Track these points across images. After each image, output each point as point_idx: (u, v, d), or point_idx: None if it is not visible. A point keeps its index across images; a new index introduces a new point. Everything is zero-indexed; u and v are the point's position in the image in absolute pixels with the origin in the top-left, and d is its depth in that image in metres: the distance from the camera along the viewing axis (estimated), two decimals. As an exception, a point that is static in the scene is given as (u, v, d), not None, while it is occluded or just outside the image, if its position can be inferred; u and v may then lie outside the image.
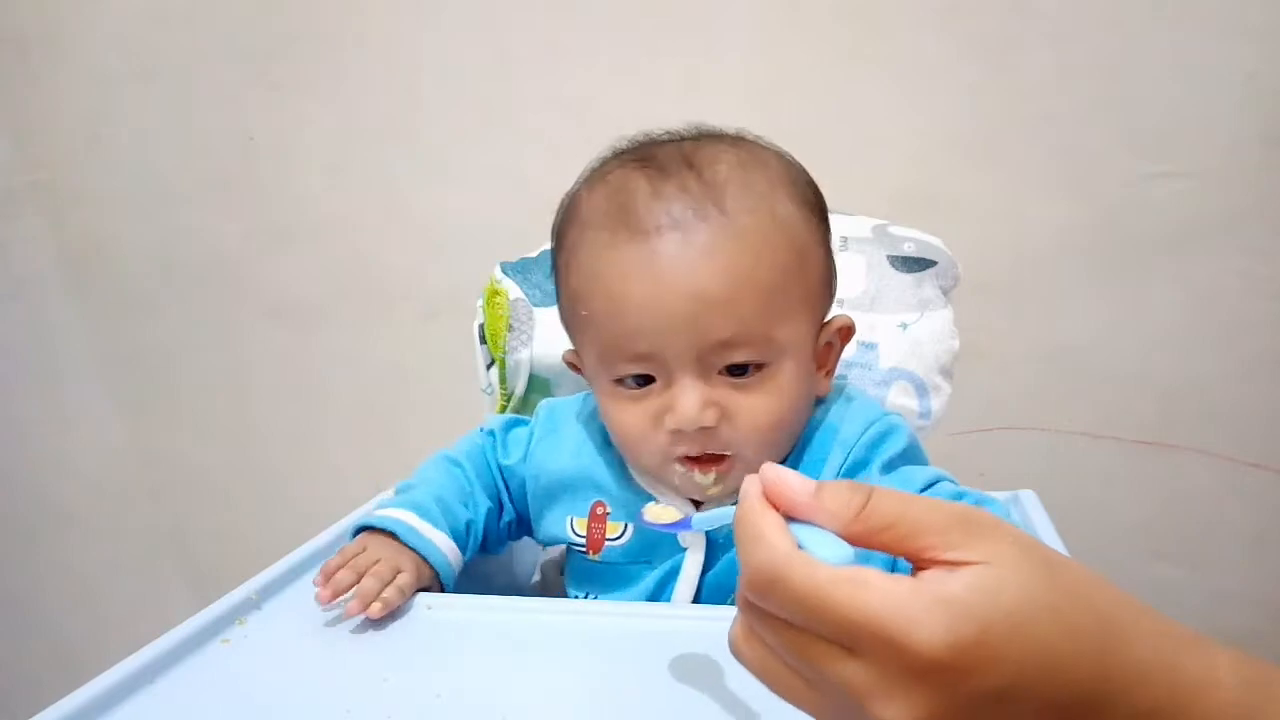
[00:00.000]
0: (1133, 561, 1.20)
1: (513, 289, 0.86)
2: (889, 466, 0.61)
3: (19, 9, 1.30)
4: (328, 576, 0.59)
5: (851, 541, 0.32)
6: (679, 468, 0.60)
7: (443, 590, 0.64)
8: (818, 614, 0.31)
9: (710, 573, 0.63)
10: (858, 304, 0.84)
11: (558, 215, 0.66)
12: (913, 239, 0.87)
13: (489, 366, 0.88)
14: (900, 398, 0.84)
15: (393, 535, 0.63)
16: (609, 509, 0.67)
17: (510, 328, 0.85)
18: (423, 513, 0.65)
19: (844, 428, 0.63)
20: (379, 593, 0.58)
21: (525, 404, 0.85)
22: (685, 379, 0.57)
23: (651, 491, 0.65)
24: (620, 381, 0.60)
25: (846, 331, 0.65)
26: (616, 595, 0.66)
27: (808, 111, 1.14)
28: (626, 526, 0.66)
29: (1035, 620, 0.30)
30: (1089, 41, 1.08)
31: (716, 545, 0.64)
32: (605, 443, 0.68)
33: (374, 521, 0.64)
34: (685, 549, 0.64)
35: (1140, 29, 1.06)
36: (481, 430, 0.75)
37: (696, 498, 0.62)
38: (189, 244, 1.36)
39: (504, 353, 0.85)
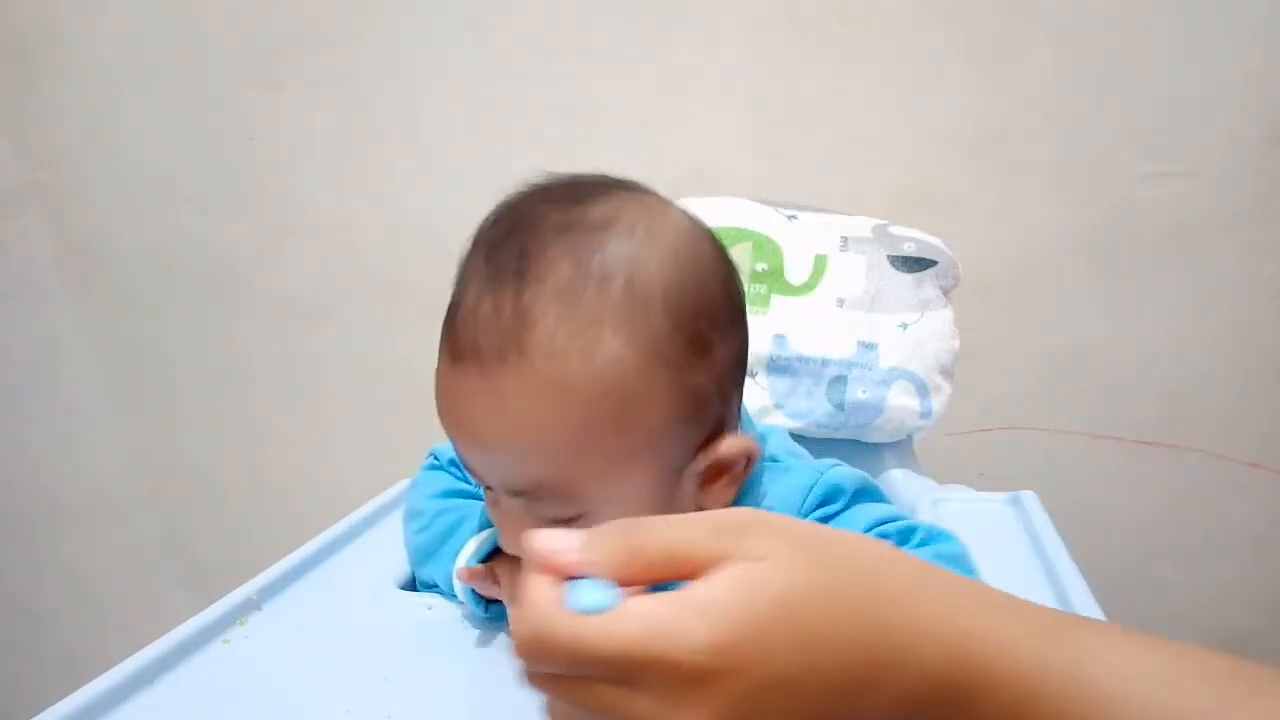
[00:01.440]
0: (1133, 561, 1.20)
1: (512, 289, 0.86)
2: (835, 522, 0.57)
3: (19, 9, 1.30)
4: None
5: (632, 583, 0.31)
6: None
7: None
8: (588, 663, 0.30)
9: None
10: (858, 304, 0.85)
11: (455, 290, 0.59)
12: (913, 239, 0.87)
13: (489, 366, 0.88)
14: (901, 397, 0.84)
15: None
16: None
17: (510, 328, 0.84)
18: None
19: (779, 507, 0.56)
20: None
21: (525, 404, 0.85)
22: (508, 502, 0.52)
23: None
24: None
25: (745, 460, 0.54)
26: None
27: (808, 111, 1.14)
28: None
29: (801, 603, 0.30)
30: (1089, 41, 1.08)
31: None
32: None
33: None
34: None
35: (1140, 29, 1.06)
36: (435, 459, 0.71)
37: None
38: (189, 244, 1.36)
39: (504, 353, 0.85)
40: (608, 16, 1.16)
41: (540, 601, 0.31)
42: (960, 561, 0.53)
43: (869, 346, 0.83)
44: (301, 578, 0.68)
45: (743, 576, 0.30)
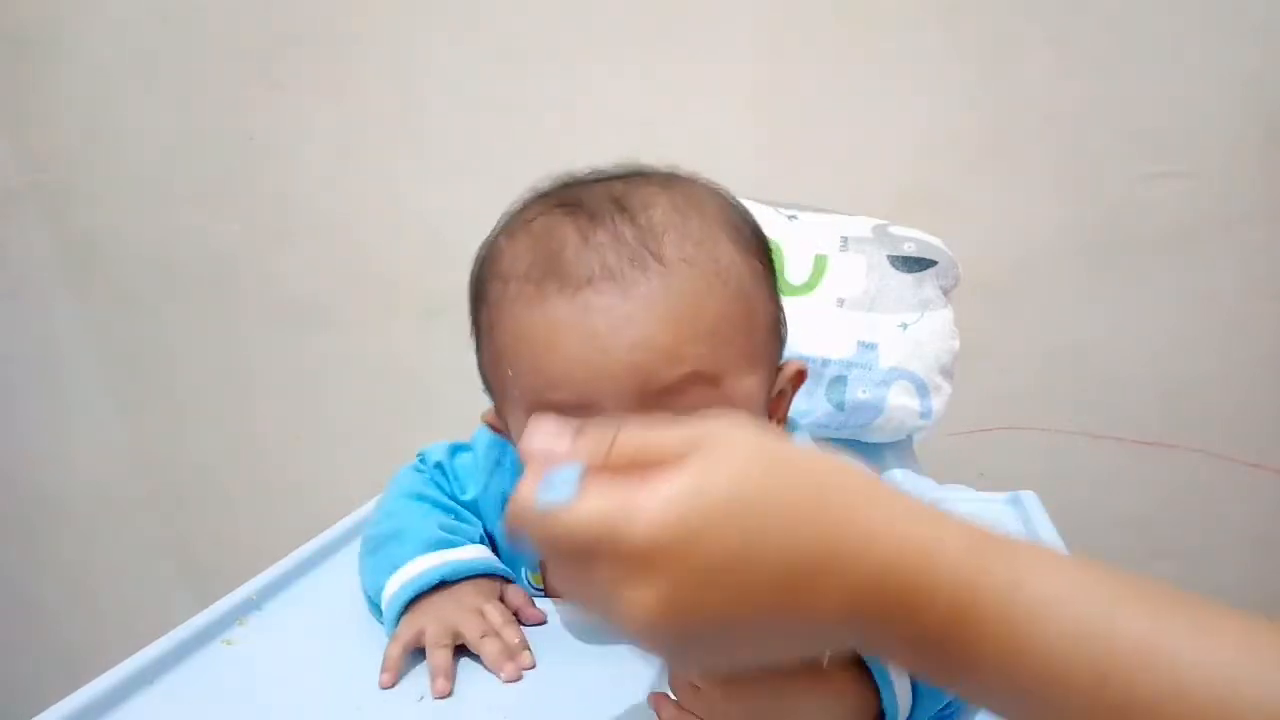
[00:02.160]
0: (1133, 561, 1.20)
1: (513, 289, 0.86)
2: None
3: (19, 9, 1.30)
4: (440, 672, 0.53)
5: (604, 472, 0.35)
6: None
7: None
8: (554, 543, 0.34)
9: None
10: (858, 304, 0.84)
11: (475, 266, 0.60)
12: (913, 239, 0.87)
13: (489, 366, 0.88)
14: (901, 397, 0.84)
15: (442, 584, 0.58)
16: None
17: (510, 328, 0.84)
18: (448, 542, 0.61)
19: None
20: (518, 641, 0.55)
21: (525, 404, 0.85)
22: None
23: None
24: None
25: (799, 377, 0.60)
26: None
27: (808, 111, 1.14)
28: None
29: (748, 499, 0.33)
30: (1089, 41, 1.08)
31: None
32: None
33: (426, 581, 0.58)
34: None
35: (1140, 29, 1.06)
36: (421, 462, 0.69)
37: None
38: (189, 244, 1.36)
39: (504, 353, 0.85)
40: (608, 16, 1.16)
41: (521, 494, 0.35)
42: None
43: (869, 346, 0.83)
44: (301, 578, 0.68)
45: (696, 472, 0.32)
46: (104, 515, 1.53)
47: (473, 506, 0.67)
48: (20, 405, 1.49)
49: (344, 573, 0.69)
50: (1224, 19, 1.04)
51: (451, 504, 0.66)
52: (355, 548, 0.74)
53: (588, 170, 0.59)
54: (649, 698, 0.47)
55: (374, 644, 0.58)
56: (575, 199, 0.55)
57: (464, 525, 0.64)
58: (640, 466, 0.34)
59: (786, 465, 0.34)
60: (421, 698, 0.51)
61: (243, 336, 1.38)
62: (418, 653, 0.55)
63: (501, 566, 0.61)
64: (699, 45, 1.15)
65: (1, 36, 1.32)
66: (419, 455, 0.70)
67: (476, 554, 0.60)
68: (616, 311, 0.50)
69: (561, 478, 0.34)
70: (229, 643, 0.58)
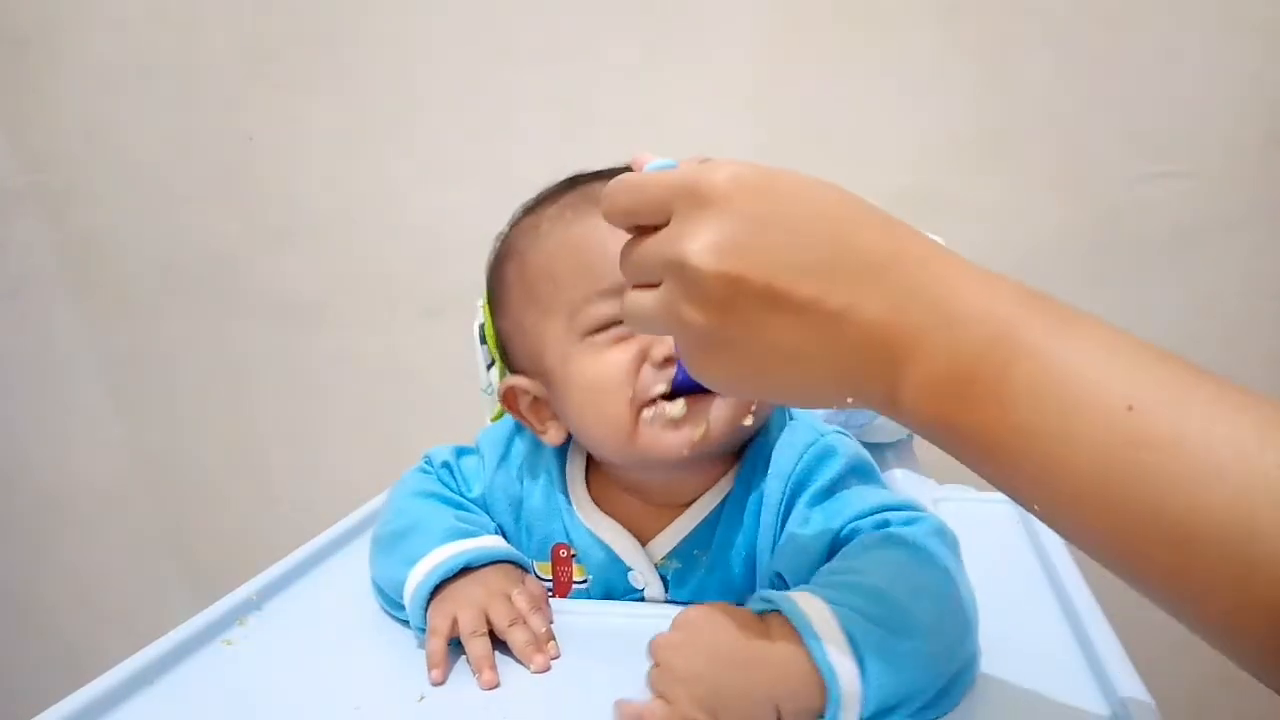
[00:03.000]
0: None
1: (513, 289, 0.86)
2: (825, 494, 0.57)
3: (19, 9, 1.30)
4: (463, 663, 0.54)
5: None
6: (647, 413, 0.55)
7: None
8: (641, 189, 0.42)
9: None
10: (858, 304, 0.84)
11: (499, 242, 0.66)
12: (913, 239, 0.87)
13: (489, 366, 0.88)
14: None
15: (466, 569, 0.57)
16: (573, 550, 0.64)
17: (510, 328, 0.85)
18: (467, 532, 0.61)
19: (780, 458, 0.59)
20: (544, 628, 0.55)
21: (525, 404, 0.85)
22: None
23: (595, 528, 0.62)
24: (596, 331, 0.57)
25: None
26: None
27: (808, 111, 1.14)
28: (589, 572, 0.63)
29: (798, 179, 0.40)
30: (1089, 41, 1.08)
31: (670, 582, 0.62)
32: (549, 484, 0.65)
33: (448, 568, 0.57)
34: (641, 590, 0.62)
35: (1140, 28, 1.06)
36: (427, 464, 0.69)
37: (662, 453, 0.57)
38: (189, 244, 1.36)
39: (504, 353, 0.85)
40: (608, 16, 1.16)
41: (630, 174, 0.44)
42: (941, 534, 0.52)
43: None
44: (301, 578, 0.68)
45: (764, 166, 0.40)
46: (104, 515, 1.53)
47: (480, 503, 0.67)
48: (20, 405, 1.49)
49: (344, 573, 0.69)
50: (1224, 19, 1.04)
51: (462, 500, 0.66)
52: (355, 548, 0.74)
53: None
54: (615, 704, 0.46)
55: (374, 644, 0.58)
56: (580, 181, 0.62)
57: (478, 518, 0.65)
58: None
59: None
60: (421, 698, 0.51)
61: (243, 336, 1.38)
62: (416, 650, 0.55)
63: (521, 555, 0.61)
64: (699, 45, 1.15)
65: (1, 36, 1.32)
66: (424, 457, 0.70)
67: (496, 542, 0.61)
68: None
69: (663, 161, 0.45)
70: (229, 643, 0.58)
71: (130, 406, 1.46)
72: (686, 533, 0.61)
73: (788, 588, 0.53)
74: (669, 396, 0.55)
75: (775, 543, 0.58)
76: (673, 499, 0.62)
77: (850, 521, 0.54)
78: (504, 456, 0.67)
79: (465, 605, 0.55)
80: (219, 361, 1.40)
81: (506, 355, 0.65)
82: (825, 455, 0.58)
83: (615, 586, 0.63)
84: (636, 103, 1.18)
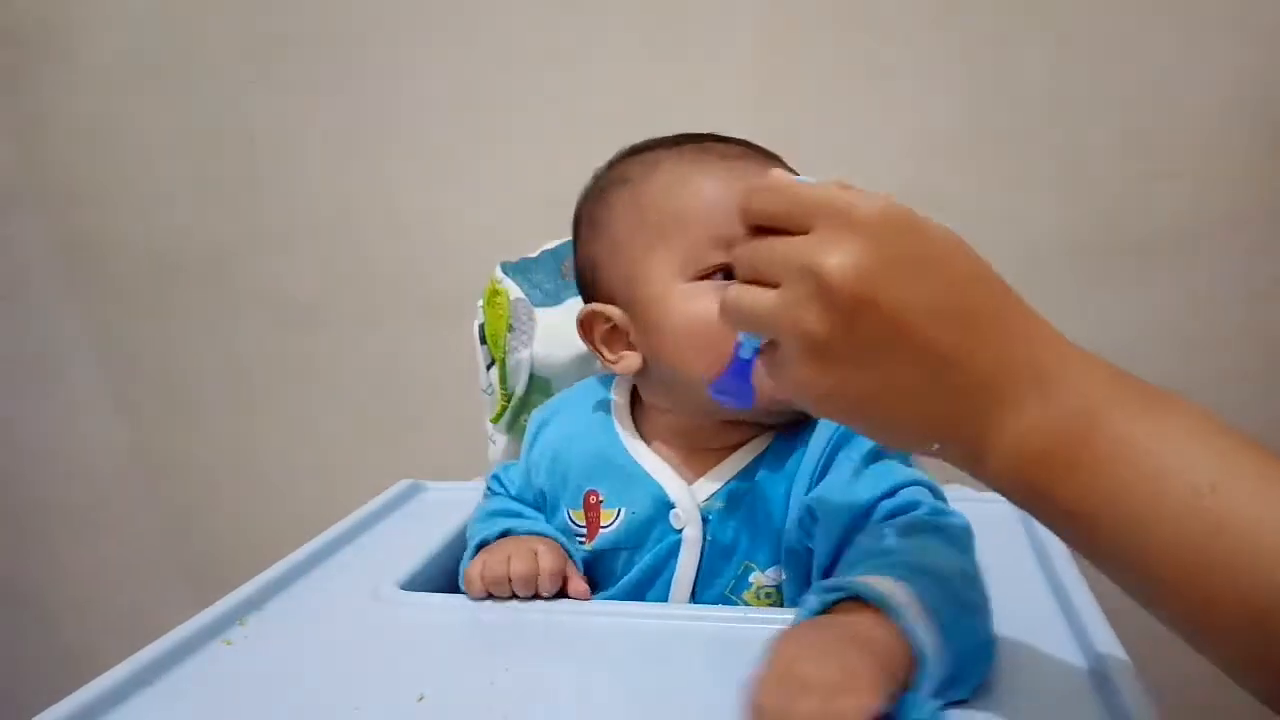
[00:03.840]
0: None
1: (513, 289, 0.86)
2: (871, 456, 0.61)
3: (19, 9, 1.30)
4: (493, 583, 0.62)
5: None
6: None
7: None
8: (789, 196, 0.42)
9: (706, 555, 0.63)
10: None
11: (600, 176, 0.69)
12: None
13: (489, 367, 0.88)
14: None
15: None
16: (602, 496, 0.67)
17: (511, 328, 0.85)
18: (502, 515, 0.69)
19: (814, 434, 0.63)
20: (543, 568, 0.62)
21: (525, 404, 0.85)
22: None
23: (645, 464, 0.66)
24: (705, 277, 0.61)
25: None
26: (608, 585, 0.66)
27: (807, 111, 1.14)
28: (619, 511, 0.66)
29: (942, 229, 0.42)
30: (1089, 41, 1.08)
31: (710, 523, 0.63)
32: (592, 428, 0.69)
33: (483, 536, 0.67)
34: (680, 530, 0.64)
35: (1140, 28, 1.06)
36: (486, 489, 0.77)
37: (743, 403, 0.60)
38: (189, 244, 1.36)
39: (504, 353, 0.85)
40: (608, 17, 1.16)
41: (775, 173, 0.44)
42: (962, 535, 0.55)
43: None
44: (301, 578, 0.68)
45: (912, 210, 0.42)
46: (104, 515, 1.53)
47: (520, 496, 0.73)
48: (20, 405, 1.49)
49: (344, 573, 0.69)
50: (1224, 19, 1.04)
51: (514, 505, 0.71)
52: (355, 548, 0.74)
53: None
54: None
55: (374, 644, 0.58)
56: (698, 139, 0.67)
57: (529, 516, 0.70)
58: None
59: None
60: (421, 697, 0.51)
61: (242, 336, 1.38)
62: (416, 650, 0.56)
63: (564, 539, 0.66)
64: (699, 45, 1.15)
65: (1, 36, 1.32)
66: (490, 480, 0.77)
67: (542, 525, 0.68)
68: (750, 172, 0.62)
69: (803, 178, 0.44)
70: (229, 643, 0.58)
71: (130, 406, 1.46)
72: (732, 475, 0.64)
73: (814, 523, 0.58)
74: None
75: (809, 491, 0.61)
76: (719, 443, 0.65)
77: (898, 486, 0.58)
78: (538, 436, 0.72)
79: (492, 553, 0.63)
80: (219, 361, 1.40)
81: (588, 282, 0.68)
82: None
83: (647, 529, 0.64)
84: (637, 103, 1.18)
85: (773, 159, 0.66)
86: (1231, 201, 1.09)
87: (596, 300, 0.67)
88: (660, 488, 0.64)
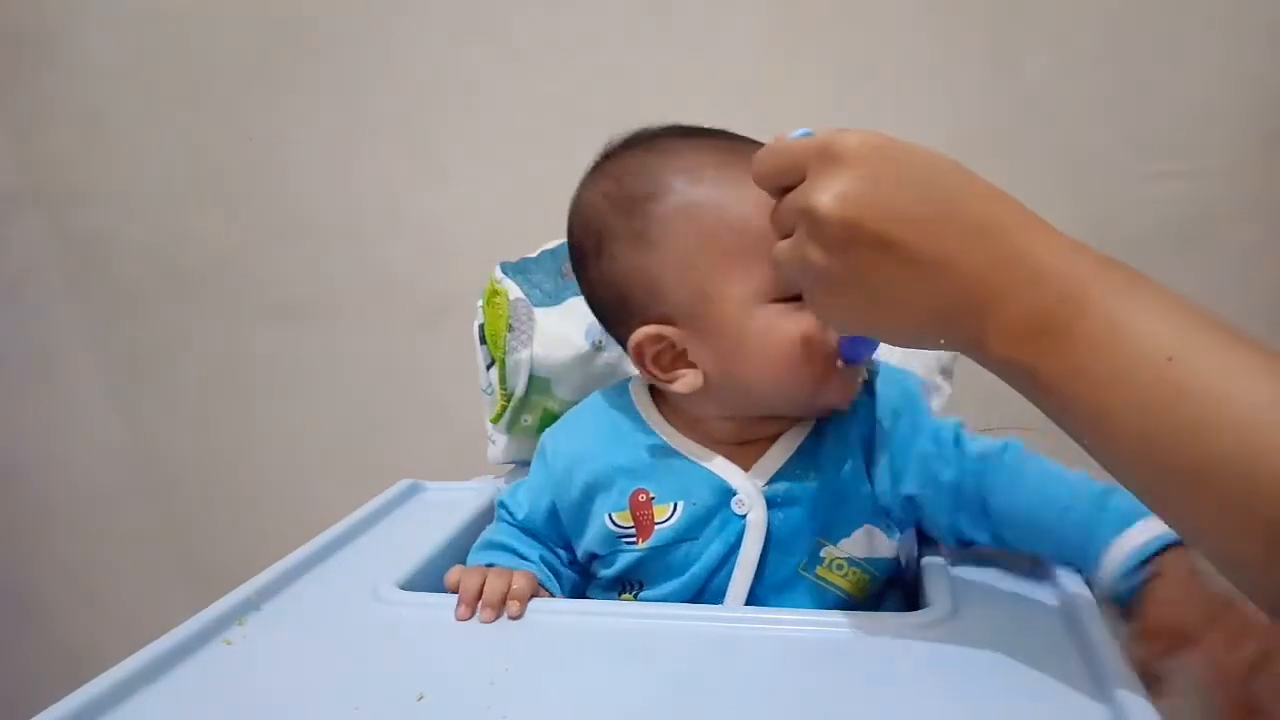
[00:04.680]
0: (1133, 561, 1.20)
1: (513, 289, 0.86)
2: (924, 415, 0.66)
3: (18, 9, 1.30)
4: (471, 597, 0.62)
5: None
6: (837, 378, 0.63)
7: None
8: (782, 151, 0.47)
9: (773, 537, 0.64)
10: (858, 304, 0.84)
11: (631, 184, 0.65)
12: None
13: (489, 367, 0.88)
14: (900, 397, 0.84)
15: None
16: (652, 494, 0.66)
17: (510, 328, 0.85)
18: (495, 546, 0.70)
19: (884, 390, 0.67)
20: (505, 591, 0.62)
21: (525, 404, 0.85)
22: None
23: (696, 457, 0.67)
24: (785, 301, 0.61)
25: None
26: (669, 579, 0.66)
27: (807, 111, 1.14)
28: (676, 505, 0.65)
29: (920, 148, 0.45)
30: (1089, 41, 1.08)
31: (775, 505, 0.64)
32: (623, 431, 0.69)
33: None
34: (744, 515, 0.64)
35: (1141, 28, 1.06)
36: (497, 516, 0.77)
37: (839, 400, 0.65)
38: (189, 244, 1.36)
39: (504, 353, 0.85)
40: (607, 17, 1.16)
41: (775, 140, 0.49)
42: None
43: (869, 346, 0.83)
44: (301, 578, 0.68)
45: (891, 135, 0.45)
46: (104, 515, 1.53)
47: (528, 523, 0.72)
48: (20, 405, 1.49)
49: (344, 573, 0.69)
50: (1225, 19, 1.04)
51: (509, 540, 0.71)
52: (355, 548, 0.74)
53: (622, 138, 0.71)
54: None
55: (374, 644, 0.58)
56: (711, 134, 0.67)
57: (520, 550, 0.70)
58: None
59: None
60: (421, 697, 0.51)
61: (243, 336, 1.38)
62: (416, 650, 0.56)
63: (543, 576, 0.67)
64: (699, 45, 1.15)
65: (1, 36, 1.32)
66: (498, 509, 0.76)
67: (531, 563, 0.69)
68: None
69: (803, 130, 0.48)
70: (229, 642, 0.58)
71: (130, 406, 1.46)
72: (787, 456, 0.66)
73: (901, 482, 0.63)
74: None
75: (886, 457, 0.64)
76: (763, 434, 0.67)
77: (956, 427, 0.65)
78: (561, 447, 0.72)
79: (470, 568, 0.65)
80: (219, 361, 1.40)
81: (627, 298, 0.65)
82: (915, 390, 0.68)
83: (707, 519, 0.65)
84: (637, 103, 1.17)
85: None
86: (1232, 201, 1.09)
87: (644, 318, 0.64)
88: (718, 476, 0.65)
